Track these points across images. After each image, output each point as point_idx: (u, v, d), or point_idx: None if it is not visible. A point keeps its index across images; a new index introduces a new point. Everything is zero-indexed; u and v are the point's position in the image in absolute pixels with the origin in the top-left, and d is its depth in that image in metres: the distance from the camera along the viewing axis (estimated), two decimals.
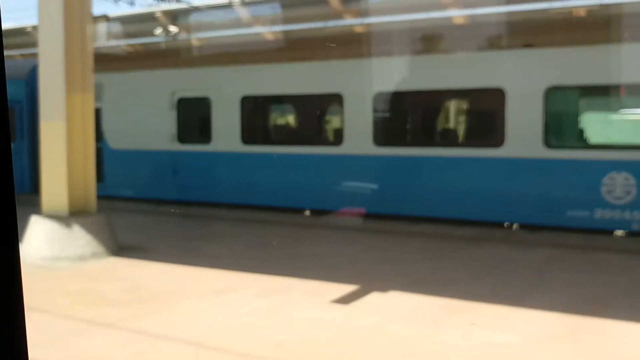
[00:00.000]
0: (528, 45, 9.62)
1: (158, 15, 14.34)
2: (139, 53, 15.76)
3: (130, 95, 13.30)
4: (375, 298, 5.97)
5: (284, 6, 12.64)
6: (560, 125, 9.78)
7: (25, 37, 15.84)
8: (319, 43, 11.84)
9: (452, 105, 11.22)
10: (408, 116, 11.36)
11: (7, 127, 0.95)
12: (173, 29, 14.36)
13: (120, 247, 8.15)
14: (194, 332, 4.97)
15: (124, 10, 18.63)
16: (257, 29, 14.23)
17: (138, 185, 13.29)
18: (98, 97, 12.03)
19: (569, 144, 9.69)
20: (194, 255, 7.95)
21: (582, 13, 10.92)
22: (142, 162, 13.17)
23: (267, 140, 12.45)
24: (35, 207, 8.16)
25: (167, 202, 12.87)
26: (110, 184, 13.34)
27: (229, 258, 7.83)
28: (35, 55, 9.08)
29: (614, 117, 10.47)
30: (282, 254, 8.12)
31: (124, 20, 15.36)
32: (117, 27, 15.12)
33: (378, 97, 10.71)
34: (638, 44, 8.86)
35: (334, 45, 11.32)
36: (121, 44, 15.86)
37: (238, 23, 14.36)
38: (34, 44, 9.55)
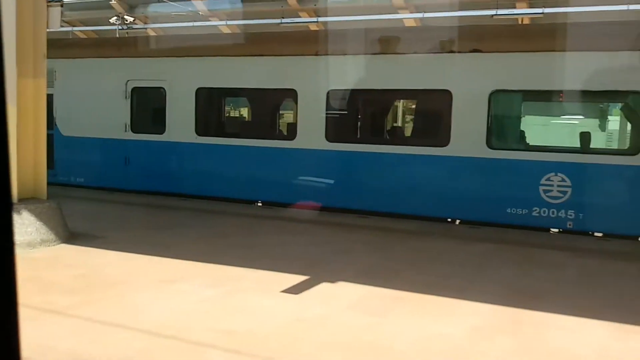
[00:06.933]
0: (475, 50, 9.95)
1: (113, 3, 14.20)
2: (94, 40, 15.53)
3: (83, 82, 13.12)
4: (324, 288, 6.13)
5: (242, 1, 12.70)
6: (502, 128, 10.16)
7: None
8: (275, 39, 11.93)
9: (402, 105, 11.47)
10: (359, 114, 11.58)
11: None
12: (129, 17, 14.23)
13: (71, 235, 8.10)
14: (144, 320, 5.00)
15: None
16: (215, 22, 14.24)
17: (89, 173, 13.16)
18: (50, 83, 11.88)
19: (510, 145, 10.10)
20: (146, 244, 7.94)
21: (526, 21, 11.37)
22: (94, 150, 13.04)
23: (221, 132, 12.48)
24: None
25: (119, 191, 12.80)
26: (62, 171, 13.19)
27: (181, 247, 7.85)
28: None
29: (553, 121, 10.94)
30: (234, 244, 8.19)
31: (80, 7, 15.13)
32: (72, 14, 14.88)
33: (332, 94, 10.89)
34: (578, 53, 9.27)
35: (290, 41, 11.44)
36: (75, 31, 15.60)
37: (195, 16, 14.33)
38: None
